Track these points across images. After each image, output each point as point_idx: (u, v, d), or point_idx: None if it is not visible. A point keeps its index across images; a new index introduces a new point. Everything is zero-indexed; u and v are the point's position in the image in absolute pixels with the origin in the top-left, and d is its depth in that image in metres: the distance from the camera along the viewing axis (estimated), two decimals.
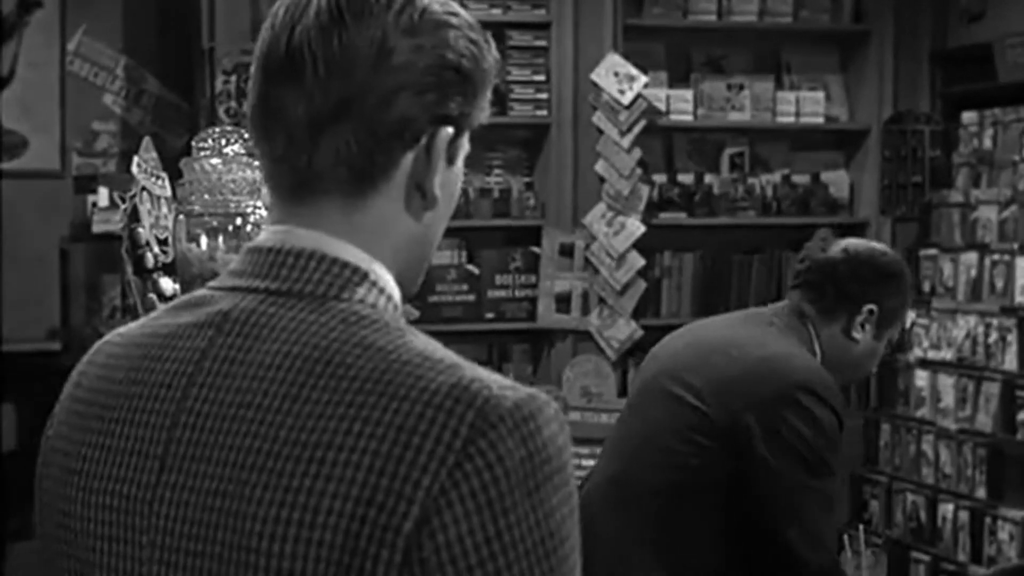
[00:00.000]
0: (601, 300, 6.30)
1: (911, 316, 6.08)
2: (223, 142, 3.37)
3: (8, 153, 7.16)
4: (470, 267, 6.56)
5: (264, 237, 1.43)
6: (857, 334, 3.39)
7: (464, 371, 1.31)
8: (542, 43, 6.44)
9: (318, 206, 1.42)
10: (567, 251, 6.36)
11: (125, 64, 7.17)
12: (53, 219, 6.67)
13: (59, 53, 7.16)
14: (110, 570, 1.38)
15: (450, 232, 6.91)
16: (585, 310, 6.32)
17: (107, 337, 1.50)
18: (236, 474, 1.31)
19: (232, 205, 3.27)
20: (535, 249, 6.43)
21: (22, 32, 7.16)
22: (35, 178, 7.10)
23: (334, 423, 1.29)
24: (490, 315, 6.53)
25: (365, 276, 1.41)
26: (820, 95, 6.78)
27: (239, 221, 3.27)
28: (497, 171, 6.51)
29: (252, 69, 1.43)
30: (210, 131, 3.48)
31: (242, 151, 3.37)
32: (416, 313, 6.59)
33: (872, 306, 3.37)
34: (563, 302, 6.35)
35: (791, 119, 6.77)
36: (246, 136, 3.43)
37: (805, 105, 6.78)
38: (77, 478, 1.42)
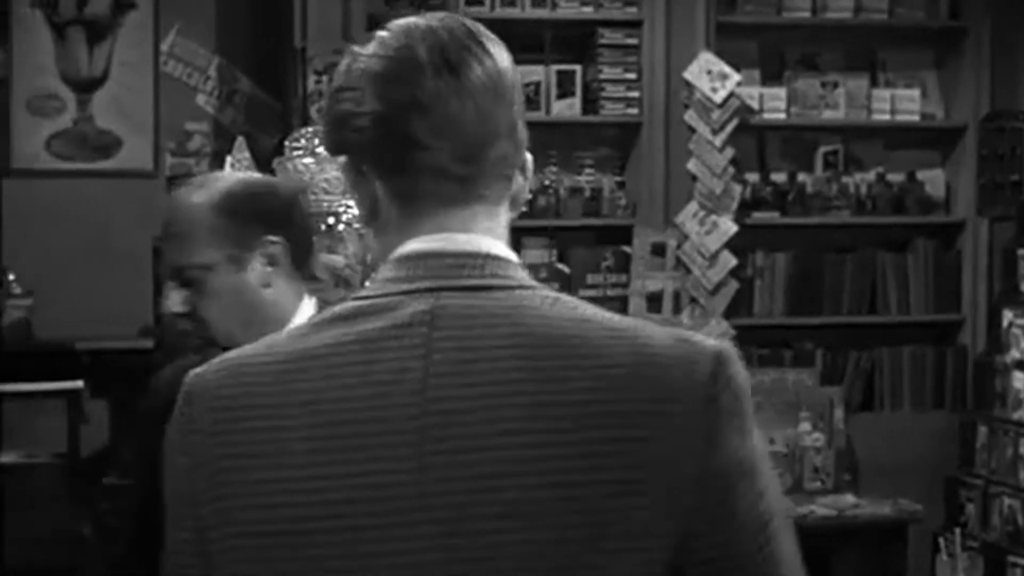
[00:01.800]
0: (693, 300, 6.26)
1: (1008, 316, 6.00)
2: (316, 142, 3.38)
3: (102, 153, 7.22)
4: (560, 266, 6.54)
5: (421, 245, 1.55)
6: None
7: (662, 327, 1.52)
8: (633, 41, 6.41)
9: (473, 213, 1.57)
10: (659, 250, 6.33)
11: (218, 64, 7.21)
12: (146, 218, 6.70)
13: (153, 54, 7.21)
14: (375, 557, 1.44)
15: (541, 231, 6.92)
16: (676, 310, 6.28)
17: (224, 366, 1.54)
18: (504, 454, 1.42)
19: (325, 204, 3.28)
20: (626, 248, 6.40)
21: (116, 33, 7.21)
22: (129, 178, 7.16)
23: (590, 395, 1.44)
24: None
25: (525, 270, 1.57)
26: (916, 92, 6.70)
27: (331, 220, 3.28)
28: (588, 170, 6.48)
29: (400, 96, 1.55)
30: (303, 131, 3.49)
31: None
32: None
33: None
34: (654, 302, 6.31)
35: (886, 117, 6.69)
36: None
37: (900, 103, 6.71)
38: (294, 483, 1.46)
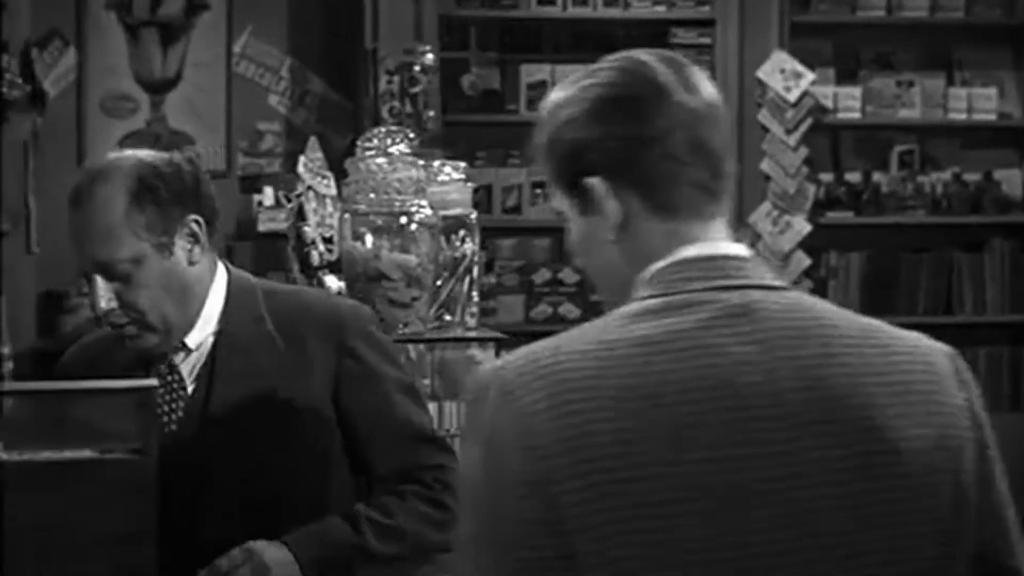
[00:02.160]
0: None
1: None
2: (389, 142, 3.37)
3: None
4: None
5: (697, 251, 1.71)
6: None
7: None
8: (707, 40, 6.39)
9: (719, 222, 1.75)
10: None
11: (290, 65, 7.22)
12: (219, 218, 6.75)
13: (225, 55, 7.23)
14: (743, 532, 1.56)
15: None
16: None
17: (539, 356, 1.64)
18: (873, 412, 1.63)
19: (397, 204, 3.27)
20: None
21: (189, 34, 7.25)
22: None
23: (897, 383, 1.66)
24: None
25: None
26: (992, 91, 6.63)
27: (404, 220, 3.27)
28: None
29: (661, 121, 1.72)
30: (376, 131, 3.48)
31: (407, 151, 3.36)
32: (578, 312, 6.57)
33: None
34: None
35: (962, 116, 6.63)
36: (411, 136, 3.42)
37: (977, 102, 6.64)
38: (667, 480, 1.56)
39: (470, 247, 3.48)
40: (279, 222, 4.80)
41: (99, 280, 2.58)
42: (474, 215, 3.52)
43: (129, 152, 2.68)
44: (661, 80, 1.74)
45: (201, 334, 2.69)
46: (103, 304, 2.58)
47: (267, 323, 2.71)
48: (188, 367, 2.69)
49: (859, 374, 1.65)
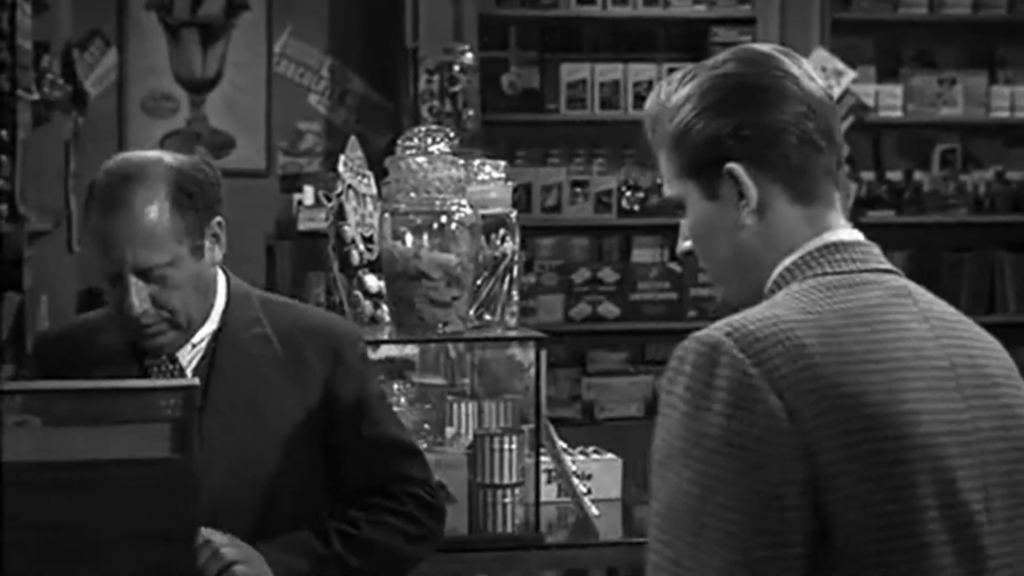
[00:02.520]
0: None
1: None
2: (429, 141, 3.37)
3: (215, 153, 7.28)
4: (672, 265, 6.50)
5: (843, 236, 1.82)
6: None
7: None
8: (747, 39, 6.35)
9: (840, 208, 1.84)
10: None
11: (330, 64, 7.23)
12: (259, 217, 6.76)
13: (266, 54, 7.25)
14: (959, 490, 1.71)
15: (653, 230, 6.88)
16: None
17: (783, 328, 1.70)
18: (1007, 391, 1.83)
19: (437, 203, 3.26)
20: None
21: (230, 34, 7.26)
22: (241, 177, 7.20)
23: (970, 353, 1.81)
24: (693, 313, 6.46)
25: None
26: None
27: (444, 219, 3.26)
28: None
29: (797, 108, 1.80)
30: (416, 130, 3.48)
31: (447, 150, 3.36)
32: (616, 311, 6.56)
33: None
34: None
35: (1005, 114, 6.59)
36: (451, 135, 3.41)
37: (1020, 100, 6.60)
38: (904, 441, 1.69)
39: (510, 246, 3.48)
40: (319, 221, 4.79)
41: (134, 282, 2.59)
42: (514, 214, 3.52)
43: (153, 154, 2.70)
44: (789, 69, 1.82)
45: (204, 331, 2.73)
46: (138, 306, 2.59)
47: (265, 326, 2.76)
48: (187, 360, 2.71)
49: (986, 355, 1.83)
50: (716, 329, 1.71)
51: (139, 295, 2.59)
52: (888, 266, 1.83)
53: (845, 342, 1.70)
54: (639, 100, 6.34)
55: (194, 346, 2.72)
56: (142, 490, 2.33)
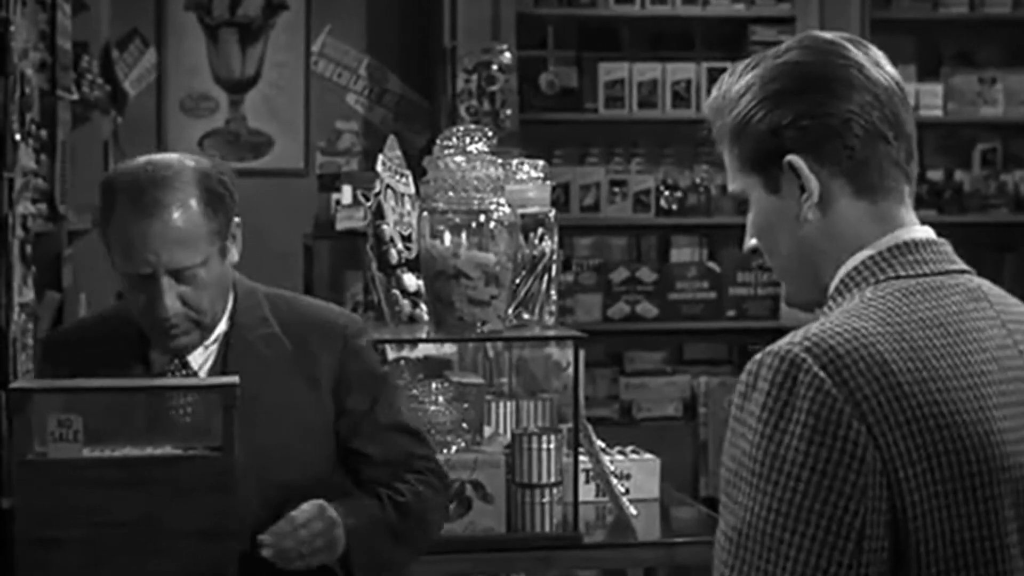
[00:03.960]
0: None
1: None
2: (467, 140, 3.37)
3: (254, 152, 7.29)
4: (711, 264, 6.48)
5: (918, 235, 1.75)
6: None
7: None
8: (785, 38, 6.31)
9: (910, 204, 1.78)
10: None
11: (368, 64, 7.25)
12: (297, 216, 6.76)
13: (304, 54, 7.27)
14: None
15: (691, 229, 6.86)
16: None
17: (862, 343, 1.64)
18: None
19: (475, 202, 3.26)
20: None
21: (268, 34, 7.28)
22: (280, 176, 7.22)
23: None
24: (731, 313, 6.44)
25: None
26: None
27: (482, 218, 3.26)
28: None
29: (862, 98, 1.74)
30: (454, 129, 3.48)
31: (485, 149, 3.35)
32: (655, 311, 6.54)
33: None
34: None
35: None
36: (489, 135, 3.41)
37: None
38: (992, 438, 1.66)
39: (548, 245, 3.47)
40: (357, 220, 4.80)
41: (166, 283, 2.62)
42: (552, 213, 3.51)
43: (176, 156, 2.73)
44: (855, 57, 1.76)
45: (215, 332, 2.75)
46: (171, 307, 2.62)
47: (272, 324, 2.79)
48: (198, 362, 2.73)
49: None
50: (794, 344, 1.65)
51: (171, 295, 2.62)
52: (962, 266, 1.77)
53: (928, 356, 1.65)
54: (677, 99, 6.34)
55: (206, 348, 2.74)
56: (187, 488, 2.34)
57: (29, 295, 4.57)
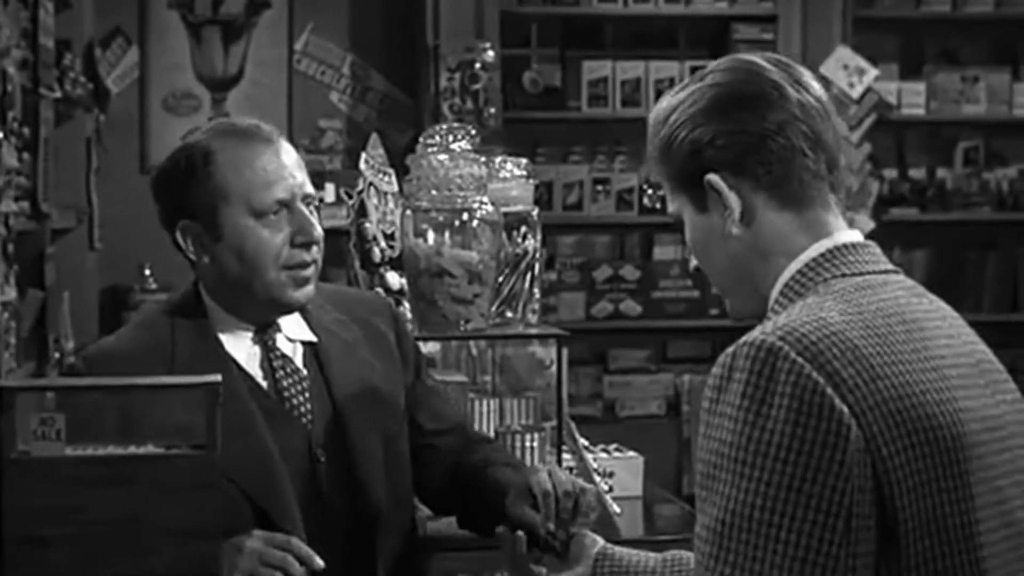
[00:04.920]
0: None
1: None
2: (450, 138, 3.37)
3: None
4: (694, 263, 6.48)
5: (847, 238, 1.82)
6: None
7: None
8: (769, 36, 6.35)
9: (838, 211, 1.85)
10: None
11: (351, 62, 7.24)
12: None
13: (287, 52, 7.26)
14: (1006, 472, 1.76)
15: (675, 228, 6.89)
16: None
17: (817, 329, 1.69)
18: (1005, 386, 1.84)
19: (459, 200, 3.26)
20: None
21: (251, 32, 7.27)
22: None
23: (981, 348, 1.85)
24: (715, 311, 6.45)
25: None
26: None
27: (465, 216, 3.26)
28: None
29: (777, 116, 1.83)
30: (437, 127, 3.48)
31: (469, 147, 3.35)
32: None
33: None
34: None
35: None
36: (472, 133, 3.41)
37: None
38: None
39: (531, 244, 3.47)
40: (340, 219, 4.80)
41: (305, 209, 2.63)
42: (535, 211, 3.51)
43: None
44: (772, 77, 1.84)
45: (294, 326, 2.73)
46: (319, 228, 2.65)
47: (331, 310, 2.78)
48: (289, 351, 2.71)
49: (985, 349, 1.86)
50: (767, 334, 1.69)
51: (314, 219, 2.64)
52: (892, 266, 1.85)
53: (892, 342, 1.71)
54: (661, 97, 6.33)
55: (290, 340, 2.71)
56: (170, 486, 2.34)
57: (11, 293, 4.57)
